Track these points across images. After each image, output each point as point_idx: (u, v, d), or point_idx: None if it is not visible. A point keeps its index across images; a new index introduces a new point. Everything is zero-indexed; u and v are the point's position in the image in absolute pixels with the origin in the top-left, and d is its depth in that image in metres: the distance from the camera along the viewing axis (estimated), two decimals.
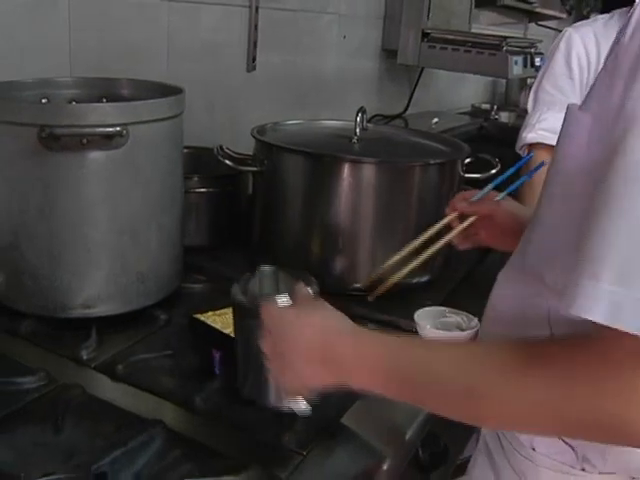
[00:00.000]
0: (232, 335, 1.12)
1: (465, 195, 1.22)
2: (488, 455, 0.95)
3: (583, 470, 0.80)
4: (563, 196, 0.72)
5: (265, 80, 2.12)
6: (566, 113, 0.73)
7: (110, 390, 1.04)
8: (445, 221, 1.22)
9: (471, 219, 1.19)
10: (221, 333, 1.12)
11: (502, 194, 1.21)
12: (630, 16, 0.65)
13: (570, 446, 0.79)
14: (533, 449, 0.83)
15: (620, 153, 0.57)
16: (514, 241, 1.03)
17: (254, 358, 0.86)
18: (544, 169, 0.82)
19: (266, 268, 0.96)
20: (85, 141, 1.06)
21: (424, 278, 1.44)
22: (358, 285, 1.38)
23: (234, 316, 0.95)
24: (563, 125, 0.73)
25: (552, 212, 0.75)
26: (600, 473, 0.79)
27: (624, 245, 0.55)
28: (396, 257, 1.26)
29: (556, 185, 0.75)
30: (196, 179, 1.51)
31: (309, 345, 0.78)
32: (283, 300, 0.84)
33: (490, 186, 1.23)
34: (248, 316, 0.87)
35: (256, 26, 2.02)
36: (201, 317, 1.16)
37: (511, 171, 1.29)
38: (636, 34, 0.63)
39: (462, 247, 1.23)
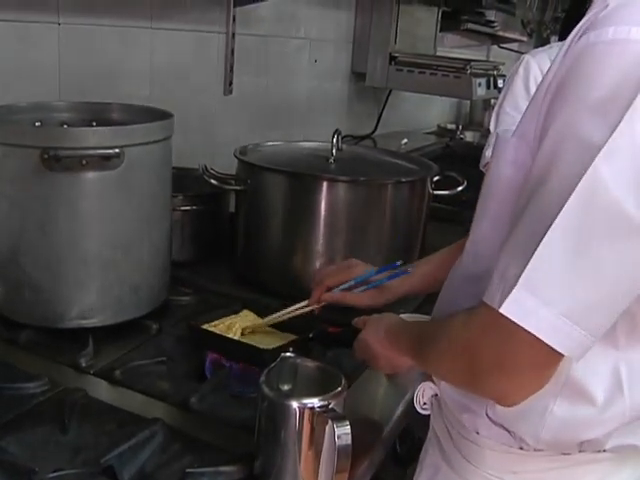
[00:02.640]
0: (231, 336, 1.22)
1: (328, 283, 1.26)
2: (438, 444, 1.02)
3: (521, 449, 0.89)
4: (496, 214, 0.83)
5: (240, 103, 2.21)
6: (496, 139, 0.83)
7: (110, 394, 1.12)
8: (308, 309, 1.27)
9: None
10: (220, 336, 1.21)
11: (363, 287, 1.24)
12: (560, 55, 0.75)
13: (506, 429, 0.88)
14: (477, 433, 0.92)
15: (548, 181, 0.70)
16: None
17: (278, 450, 0.89)
18: None
19: (288, 356, 0.97)
20: (84, 162, 1.14)
21: None
22: None
23: (260, 406, 0.91)
24: (494, 149, 0.84)
25: (490, 227, 0.86)
26: (535, 450, 0.88)
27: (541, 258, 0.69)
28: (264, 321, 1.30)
29: (487, 205, 0.87)
30: (181, 198, 1.59)
31: (379, 346, 1.05)
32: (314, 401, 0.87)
33: (357, 280, 1.25)
34: (277, 412, 0.88)
35: (232, 51, 2.11)
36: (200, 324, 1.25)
37: (379, 271, 1.28)
38: (558, 70, 0.73)
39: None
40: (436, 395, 1.02)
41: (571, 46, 0.72)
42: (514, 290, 0.69)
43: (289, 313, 1.28)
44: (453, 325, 0.82)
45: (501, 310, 0.70)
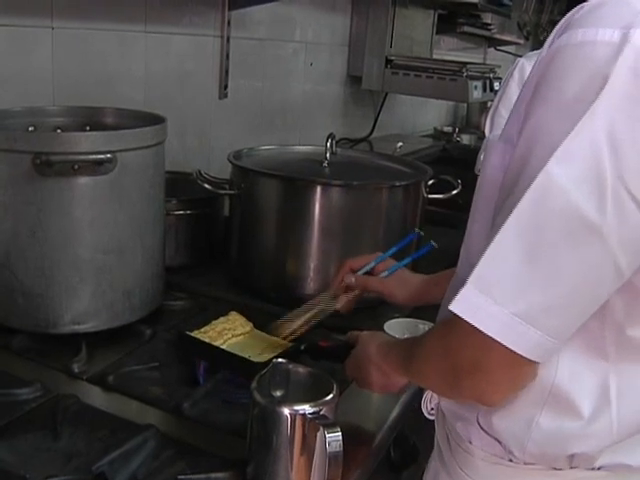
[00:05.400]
0: (220, 346, 1.21)
1: (353, 265, 1.26)
2: (439, 451, 1.02)
3: (511, 461, 0.88)
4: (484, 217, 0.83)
5: (236, 106, 2.21)
6: (487, 144, 0.84)
7: (103, 399, 1.11)
8: (332, 291, 1.27)
9: (356, 292, 1.25)
10: (210, 345, 1.20)
11: (387, 272, 1.25)
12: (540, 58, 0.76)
13: (495, 438, 0.87)
14: (470, 442, 0.91)
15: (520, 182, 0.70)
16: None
17: (270, 454, 0.90)
18: None
19: (280, 362, 0.96)
20: (76, 167, 1.14)
21: None
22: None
23: (252, 412, 0.91)
24: (485, 155, 0.84)
25: (480, 231, 0.85)
26: (525, 464, 0.87)
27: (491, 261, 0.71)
28: (294, 327, 1.28)
29: (477, 210, 0.87)
30: (174, 202, 1.59)
31: (371, 366, 1.02)
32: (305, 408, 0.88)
33: (376, 260, 1.27)
34: (269, 419, 0.88)
35: (227, 55, 2.11)
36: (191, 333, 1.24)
37: (399, 246, 1.33)
38: (535, 72, 0.74)
39: (346, 311, 1.27)
40: None
41: (548, 49, 0.73)
42: (464, 288, 0.70)
43: (307, 317, 1.26)
44: (436, 327, 0.84)
45: (450, 307, 0.71)
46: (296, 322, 1.27)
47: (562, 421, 0.81)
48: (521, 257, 0.69)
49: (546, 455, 0.85)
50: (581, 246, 0.68)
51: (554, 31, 0.74)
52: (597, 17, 0.69)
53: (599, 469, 0.84)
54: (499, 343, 0.70)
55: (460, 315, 0.71)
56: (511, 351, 0.70)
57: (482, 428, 0.88)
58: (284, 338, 1.25)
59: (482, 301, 0.70)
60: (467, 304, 0.71)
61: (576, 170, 0.66)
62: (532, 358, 0.71)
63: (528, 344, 0.70)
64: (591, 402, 0.80)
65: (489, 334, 0.70)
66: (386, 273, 1.25)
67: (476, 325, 0.70)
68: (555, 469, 0.86)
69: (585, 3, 0.72)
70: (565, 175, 0.66)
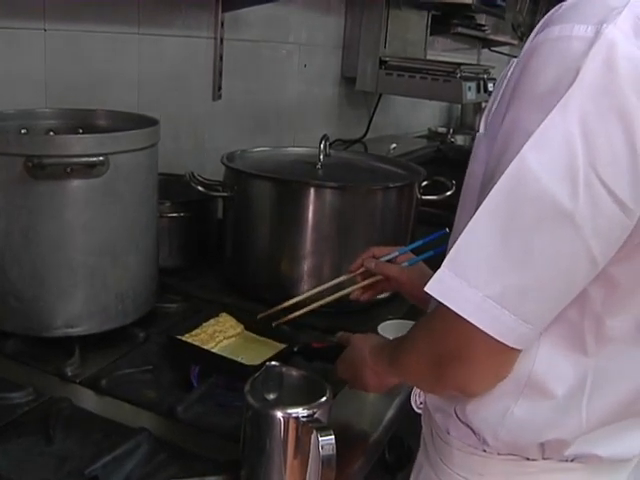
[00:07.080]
0: (211, 350, 1.20)
1: (376, 252, 1.26)
2: (423, 443, 1.03)
3: (485, 451, 0.88)
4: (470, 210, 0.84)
5: (229, 108, 2.21)
6: (475, 139, 0.85)
7: (96, 403, 1.11)
8: (350, 275, 1.27)
9: (374, 278, 1.25)
10: (201, 349, 1.20)
11: (408, 262, 1.23)
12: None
13: (470, 428, 0.88)
14: (448, 433, 0.92)
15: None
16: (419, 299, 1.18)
17: (263, 457, 0.89)
18: None
19: (272, 365, 0.96)
20: (69, 170, 1.13)
21: (385, 294, 1.53)
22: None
23: (245, 416, 0.91)
24: (472, 151, 0.86)
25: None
26: (499, 454, 0.88)
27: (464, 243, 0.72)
28: (299, 298, 1.32)
29: (465, 203, 0.88)
30: (168, 204, 1.58)
31: (364, 367, 1.03)
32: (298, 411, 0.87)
33: (399, 251, 1.26)
34: (262, 422, 0.88)
35: (221, 56, 2.10)
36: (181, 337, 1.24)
37: (425, 241, 1.31)
38: (516, 69, 0.76)
39: (363, 299, 1.28)
40: None
41: (529, 45, 0.75)
42: (439, 270, 0.72)
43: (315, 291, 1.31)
44: (422, 318, 0.86)
45: (425, 289, 0.72)
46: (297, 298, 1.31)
47: (535, 410, 0.83)
48: (495, 240, 0.70)
49: (518, 443, 0.86)
50: (553, 231, 0.69)
51: (535, 28, 0.76)
52: (574, 14, 0.72)
53: (571, 461, 0.85)
54: (478, 329, 0.71)
55: (434, 296, 0.72)
56: (491, 338, 0.71)
57: (459, 418, 0.89)
58: (285, 312, 1.30)
59: (456, 283, 0.71)
60: (442, 286, 0.72)
61: (549, 157, 0.68)
62: (507, 342, 0.72)
63: (502, 327, 0.71)
64: (565, 392, 0.81)
65: (463, 315, 0.71)
66: (406, 264, 1.24)
67: (450, 306, 0.71)
68: (528, 459, 0.86)
69: (564, 2, 0.75)
70: (538, 161, 0.68)
